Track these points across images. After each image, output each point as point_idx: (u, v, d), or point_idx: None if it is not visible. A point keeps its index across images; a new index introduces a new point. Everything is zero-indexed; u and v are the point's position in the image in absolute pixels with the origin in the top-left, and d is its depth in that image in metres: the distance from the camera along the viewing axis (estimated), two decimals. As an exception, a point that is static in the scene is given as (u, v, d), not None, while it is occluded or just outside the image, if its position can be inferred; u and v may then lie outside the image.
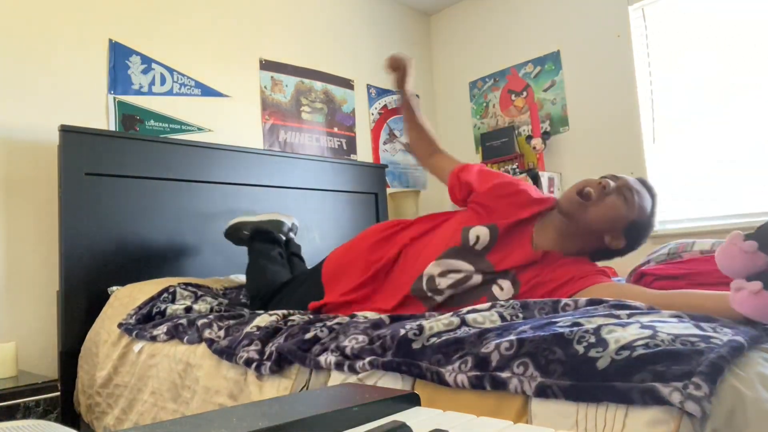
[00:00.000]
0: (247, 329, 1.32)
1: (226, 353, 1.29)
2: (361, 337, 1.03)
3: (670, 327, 0.77)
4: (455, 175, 1.62)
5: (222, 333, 1.39)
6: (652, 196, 1.41)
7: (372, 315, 1.27)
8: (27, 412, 1.65)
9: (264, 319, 1.36)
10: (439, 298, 1.40)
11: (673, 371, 0.65)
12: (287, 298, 1.70)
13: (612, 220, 1.35)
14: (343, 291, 1.55)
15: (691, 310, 1.00)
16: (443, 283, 1.39)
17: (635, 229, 1.38)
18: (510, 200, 1.48)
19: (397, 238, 1.60)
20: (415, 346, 0.92)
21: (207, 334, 1.41)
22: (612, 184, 1.36)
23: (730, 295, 0.89)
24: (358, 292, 1.53)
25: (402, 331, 0.96)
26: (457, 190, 1.61)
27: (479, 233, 1.43)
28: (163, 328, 1.60)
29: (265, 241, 2.02)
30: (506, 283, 1.36)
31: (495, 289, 1.37)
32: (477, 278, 1.38)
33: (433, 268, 1.41)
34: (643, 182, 1.41)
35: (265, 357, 1.18)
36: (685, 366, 0.65)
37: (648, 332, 0.74)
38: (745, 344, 0.72)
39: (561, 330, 0.80)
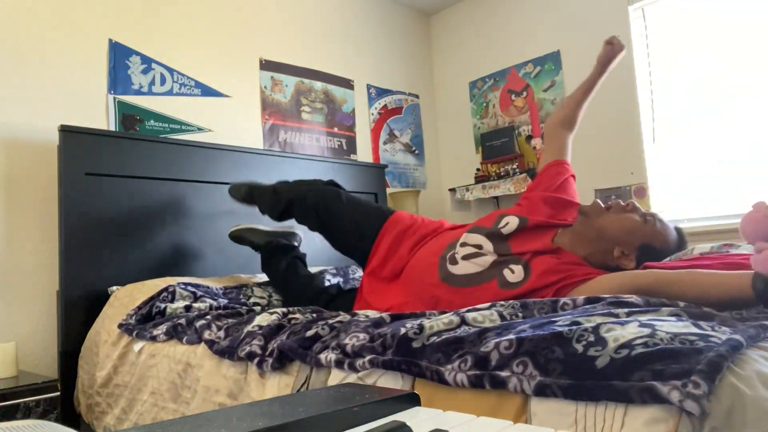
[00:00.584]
0: (248, 328, 1.32)
1: (228, 352, 1.29)
2: (362, 335, 1.03)
3: (669, 326, 0.77)
4: (550, 167, 1.75)
5: (222, 333, 1.39)
6: (681, 236, 1.43)
7: (373, 314, 1.27)
8: (27, 412, 1.64)
9: (265, 318, 1.36)
10: (453, 269, 1.48)
11: (672, 370, 0.65)
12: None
13: (625, 231, 1.37)
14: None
15: (699, 286, 1.06)
16: (461, 252, 1.50)
17: (650, 252, 1.38)
18: (554, 211, 1.60)
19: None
20: (416, 345, 0.92)
21: (207, 335, 1.41)
22: (640, 208, 1.43)
23: (752, 257, 0.91)
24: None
25: (402, 330, 0.96)
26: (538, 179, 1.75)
27: (510, 220, 1.55)
28: (163, 328, 1.60)
29: (284, 252, 2.08)
30: (518, 268, 1.39)
31: (506, 272, 1.40)
32: (490, 258, 1.45)
33: (467, 239, 1.53)
34: (678, 228, 1.45)
35: (267, 353, 1.18)
36: (684, 365, 0.65)
37: (647, 331, 0.74)
38: (743, 342, 0.72)
39: (560, 329, 0.80)
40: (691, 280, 1.10)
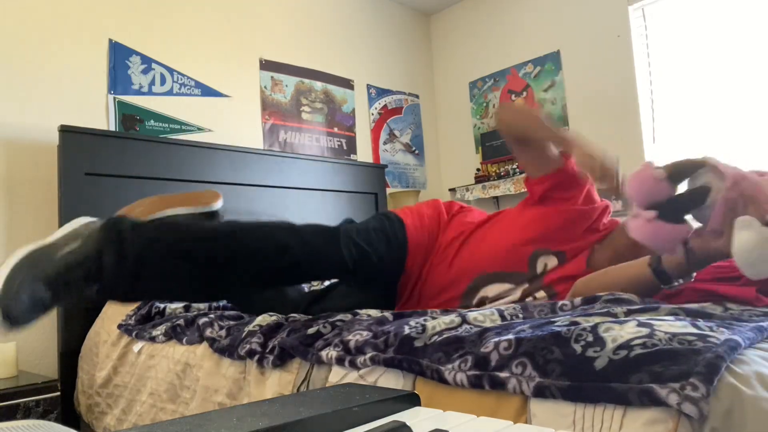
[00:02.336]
0: (249, 328, 1.32)
1: (228, 351, 1.29)
2: (365, 333, 1.03)
3: (668, 325, 0.77)
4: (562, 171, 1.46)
5: (223, 333, 1.39)
6: None
7: (375, 312, 1.27)
8: (27, 412, 1.64)
9: (265, 319, 1.36)
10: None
11: (671, 372, 0.65)
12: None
13: None
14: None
15: (611, 278, 1.11)
16: (490, 296, 1.39)
17: None
18: (584, 228, 1.40)
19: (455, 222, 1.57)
20: (417, 344, 0.93)
21: (209, 333, 1.41)
22: None
23: (628, 223, 0.92)
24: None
25: (406, 330, 0.97)
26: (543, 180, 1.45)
27: (548, 261, 1.38)
28: (162, 328, 1.60)
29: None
30: (540, 293, 1.35)
31: (528, 299, 1.36)
32: (517, 293, 1.36)
33: (487, 291, 1.38)
34: None
35: (268, 350, 1.18)
36: (683, 366, 0.65)
37: (645, 330, 0.74)
38: (742, 343, 0.72)
39: (558, 329, 0.81)
40: (602, 274, 1.14)
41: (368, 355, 0.97)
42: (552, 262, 1.37)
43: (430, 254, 1.49)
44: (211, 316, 1.52)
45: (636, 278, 1.09)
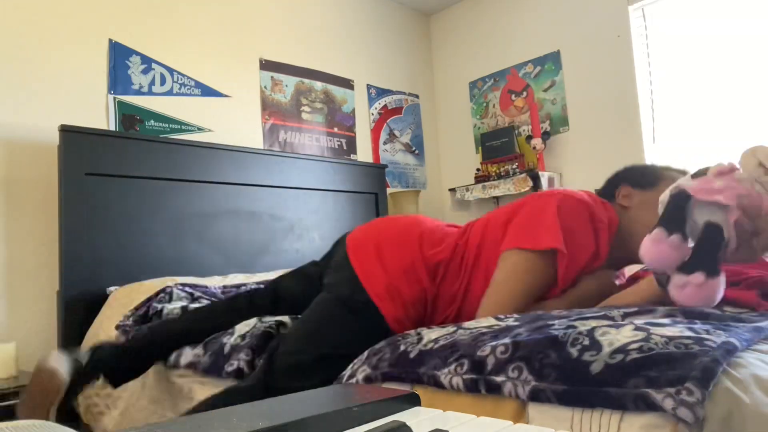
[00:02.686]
0: (231, 341, 1.30)
1: (212, 370, 1.27)
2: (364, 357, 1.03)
3: (664, 329, 0.77)
4: None
5: (199, 350, 1.36)
6: None
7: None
8: (27, 412, 1.64)
9: (245, 327, 1.34)
10: None
11: (667, 376, 0.65)
12: None
13: None
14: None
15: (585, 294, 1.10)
16: None
17: None
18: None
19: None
20: (412, 355, 0.92)
21: (184, 361, 1.38)
22: None
23: (675, 294, 0.88)
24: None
25: (402, 347, 0.96)
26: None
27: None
28: None
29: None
30: None
31: None
32: None
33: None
34: None
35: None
36: (679, 370, 0.65)
37: (642, 334, 0.74)
38: (738, 346, 0.71)
39: (555, 332, 0.80)
40: (584, 288, 1.13)
41: (361, 376, 0.97)
42: None
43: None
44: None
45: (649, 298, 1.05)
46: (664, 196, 0.95)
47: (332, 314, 1.17)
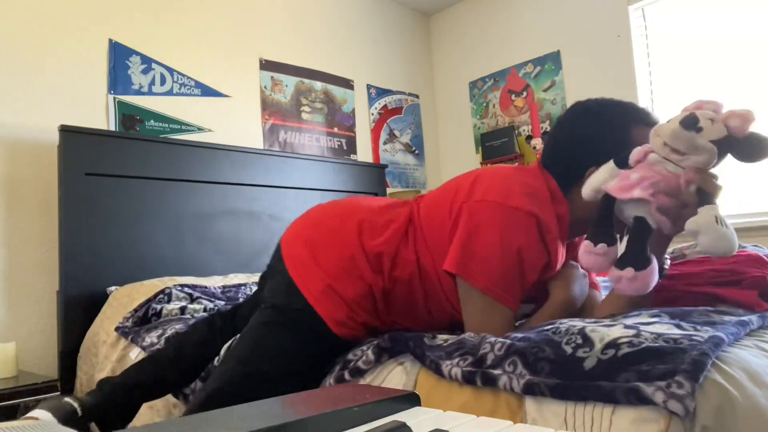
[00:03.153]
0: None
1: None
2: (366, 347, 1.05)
3: (653, 326, 0.79)
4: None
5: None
6: None
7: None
8: (27, 412, 1.64)
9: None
10: None
11: (657, 370, 0.66)
12: None
13: None
14: None
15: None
16: None
17: None
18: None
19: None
20: (428, 344, 0.97)
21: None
22: None
23: (614, 286, 0.92)
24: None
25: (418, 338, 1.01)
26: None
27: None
28: (154, 335, 1.59)
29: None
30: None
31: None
32: None
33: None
34: None
35: None
36: (669, 364, 0.66)
37: (632, 332, 0.76)
38: (725, 338, 0.73)
39: (551, 334, 0.84)
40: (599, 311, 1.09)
41: (370, 349, 1.01)
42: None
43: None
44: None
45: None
46: (591, 181, 1.00)
47: (269, 327, 1.06)
